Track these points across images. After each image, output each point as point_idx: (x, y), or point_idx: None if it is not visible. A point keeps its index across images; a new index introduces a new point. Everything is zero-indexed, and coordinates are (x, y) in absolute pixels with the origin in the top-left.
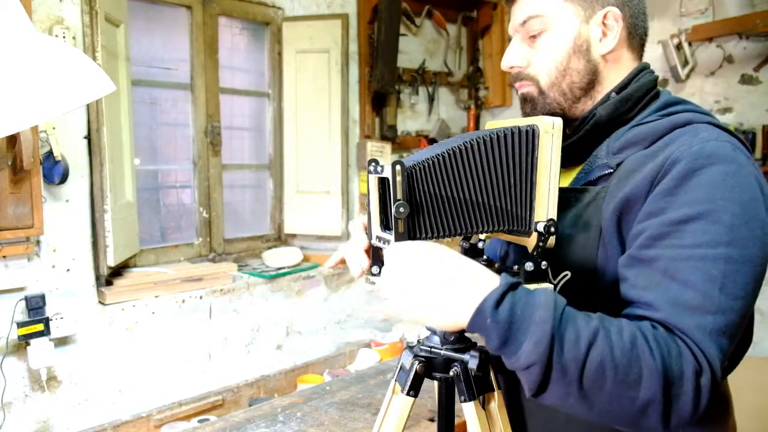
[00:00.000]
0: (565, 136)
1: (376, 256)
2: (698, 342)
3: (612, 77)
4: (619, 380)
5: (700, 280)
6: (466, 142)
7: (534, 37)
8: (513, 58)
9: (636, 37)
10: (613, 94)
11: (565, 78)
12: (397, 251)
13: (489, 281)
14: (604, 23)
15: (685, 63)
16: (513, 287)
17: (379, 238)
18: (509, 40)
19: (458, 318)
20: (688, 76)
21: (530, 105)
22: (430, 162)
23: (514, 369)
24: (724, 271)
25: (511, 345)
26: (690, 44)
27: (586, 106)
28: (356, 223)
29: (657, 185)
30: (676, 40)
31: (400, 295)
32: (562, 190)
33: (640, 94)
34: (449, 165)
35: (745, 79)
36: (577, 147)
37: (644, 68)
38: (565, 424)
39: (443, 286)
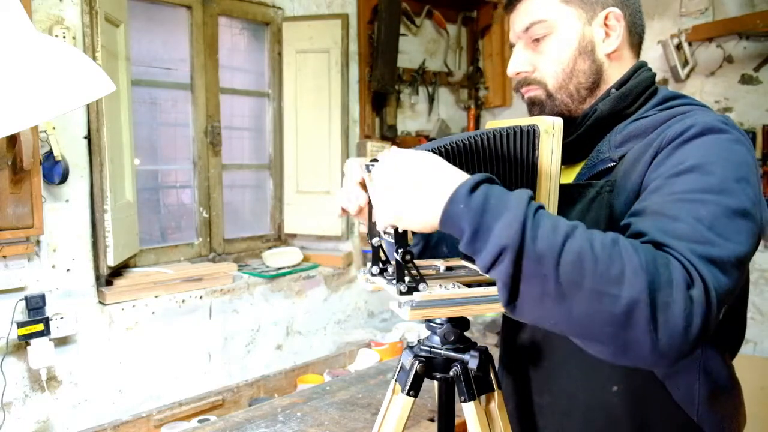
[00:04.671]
0: (568, 133)
1: (377, 255)
2: (689, 259)
3: (614, 76)
4: (599, 274)
5: (688, 217)
6: (468, 137)
7: (537, 41)
8: (519, 64)
9: (635, 36)
10: (613, 90)
11: (572, 80)
12: (382, 163)
13: (464, 176)
14: (606, 24)
15: (685, 63)
16: (490, 180)
17: (385, 232)
18: (511, 47)
19: (434, 207)
20: (688, 76)
21: (538, 108)
22: (435, 151)
23: (486, 268)
24: (713, 213)
25: (483, 233)
26: (690, 44)
27: (589, 105)
28: (351, 160)
29: (654, 160)
30: (676, 40)
31: (384, 197)
32: (566, 187)
33: (639, 90)
34: (451, 158)
35: (745, 79)
36: (580, 143)
37: (642, 66)
38: (582, 422)
39: (420, 182)
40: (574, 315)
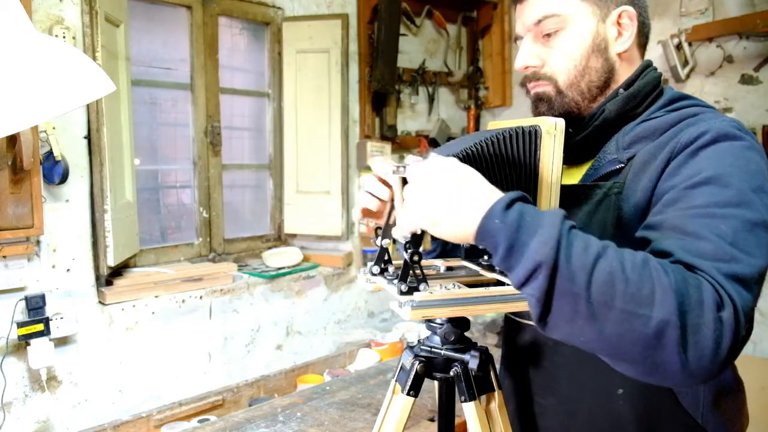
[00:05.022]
0: (574, 134)
1: (381, 256)
2: (717, 280)
3: (623, 75)
4: (630, 294)
5: (710, 234)
6: (475, 144)
7: (548, 36)
8: (528, 57)
9: (643, 36)
10: (621, 90)
11: (584, 77)
12: (422, 166)
13: (498, 193)
14: (619, 22)
15: (685, 63)
16: (524, 199)
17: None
18: (515, 40)
19: (470, 220)
20: (688, 76)
21: (546, 105)
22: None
23: (520, 283)
24: (734, 228)
25: (518, 249)
26: (690, 44)
27: (598, 104)
28: (378, 159)
29: (668, 167)
30: (676, 40)
31: (418, 202)
32: (572, 188)
33: (647, 90)
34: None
35: (745, 79)
36: (586, 143)
37: (648, 65)
38: (586, 424)
39: (458, 193)
40: (605, 334)
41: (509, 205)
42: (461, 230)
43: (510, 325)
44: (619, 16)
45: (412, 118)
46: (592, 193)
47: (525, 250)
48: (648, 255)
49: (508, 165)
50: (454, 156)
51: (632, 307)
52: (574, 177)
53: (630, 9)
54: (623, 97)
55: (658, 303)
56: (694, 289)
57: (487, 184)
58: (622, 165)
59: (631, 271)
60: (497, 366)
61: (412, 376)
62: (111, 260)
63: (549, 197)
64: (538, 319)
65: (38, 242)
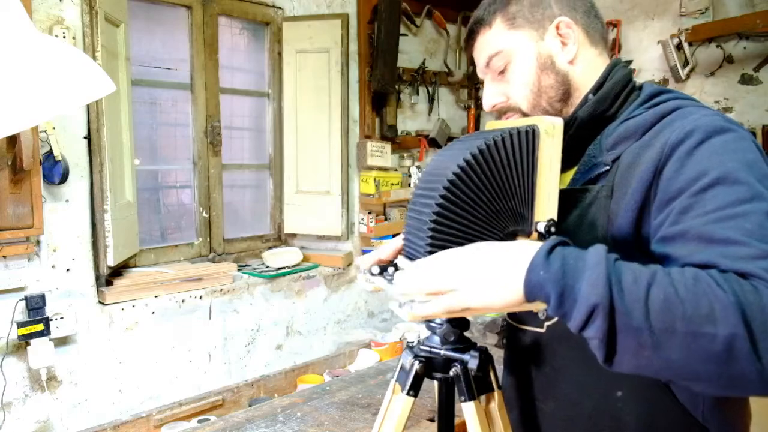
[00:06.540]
0: None
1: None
2: (766, 278)
3: (584, 79)
4: (689, 316)
5: (738, 235)
6: (475, 155)
7: (502, 72)
8: (492, 97)
9: (595, 33)
10: (590, 95)
11: (541, 97)
12: (426, 264)
13: (537, 246)
14: (559, 34)
15: (685, 63)
16: (563, 243)
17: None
18: (482, 81)
19: (514, 284)
20: (688, 76)
21: None
22: (460, 177)
23: (579, 328)
24: (757, 222)
25: (569, 295)
26: (690, 44)
27: (569, 113)
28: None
29: (662, 172)
30: (676, 40)
31: (448, 283)
32: (562, 192)
33: (617, 90)
34: (468, 178)
35: (745, 79)
36: (568, 150)
37: (616, 64)
38: (586, 428)
39: (492, 261)
40: (673, 360)
41: (549, 252)
42: (508, 297)
43: (510, 329)
44: (557, 27)
45: (412, 118)
46: (582, 197)
47: (577, 295)
48: (697, 271)
49: (505, 168)
50: (443, 188)
51: (695, 327)
52: (562, 182)
53: (565, 18)
54: (593, 101)
55: (720, 319)
56: (753, 296)
57: (518, 244)
58: (608, 167)
59: (685, 292)
60: (499, 368)
61: (411, 376)
62: (111, 260)
63: (548, 202)
64: (604, 359)
65: (38, 242)
